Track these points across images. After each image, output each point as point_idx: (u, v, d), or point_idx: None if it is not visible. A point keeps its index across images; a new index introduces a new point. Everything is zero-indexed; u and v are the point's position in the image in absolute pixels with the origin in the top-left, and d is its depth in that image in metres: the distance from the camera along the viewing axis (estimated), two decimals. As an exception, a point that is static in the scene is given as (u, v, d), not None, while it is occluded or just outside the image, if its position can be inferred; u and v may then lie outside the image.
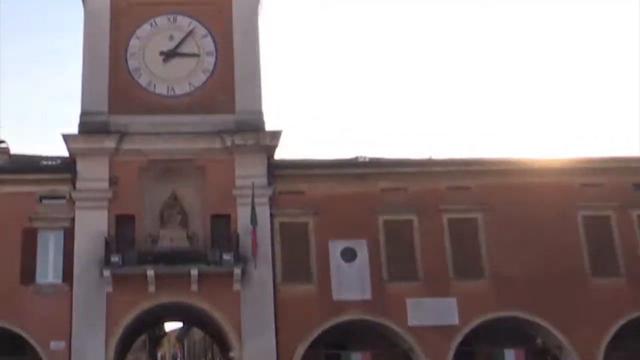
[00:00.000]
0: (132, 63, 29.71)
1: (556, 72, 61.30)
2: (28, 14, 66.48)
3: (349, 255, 28.48)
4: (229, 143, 28.38)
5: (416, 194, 29.26)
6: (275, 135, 28.79)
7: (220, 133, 28.48)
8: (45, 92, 63.20)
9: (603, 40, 61.32)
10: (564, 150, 40.80)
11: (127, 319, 27.04)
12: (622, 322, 28.35)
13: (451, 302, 28.20)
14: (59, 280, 27.34)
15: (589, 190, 29.62)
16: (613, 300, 28.46)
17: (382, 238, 28.86)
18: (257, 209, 27.33)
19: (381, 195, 29.19)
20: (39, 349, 26.64)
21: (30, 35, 65.27)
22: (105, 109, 28.83)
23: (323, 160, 30.51)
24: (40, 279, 27.36)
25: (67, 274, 27.21)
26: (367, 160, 30.50)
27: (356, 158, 30.64)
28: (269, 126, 29.07)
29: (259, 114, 29.35)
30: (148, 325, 36.46)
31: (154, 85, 29.51)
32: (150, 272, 26.74)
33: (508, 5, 64.69)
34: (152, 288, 26.94)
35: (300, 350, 27.37)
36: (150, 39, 30.09)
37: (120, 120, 28.65)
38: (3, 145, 29.70)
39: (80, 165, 28.01)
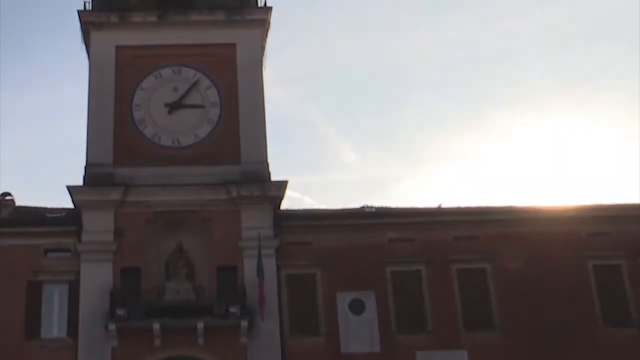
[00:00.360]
0: (137, 114, 30.09)
1: (561, 117, 62.01)
2: (31, 65, 67.48)
3: (357, 307, 28.45)
4: (234, 194, 28.56)
5: (424, 244, 29.33)
6: (281, 185, 29.02)
7: (225, 184, 28.67)
8: (50, 143, 63.89)
9: (608, 86, 61.97)
10: (570, 199, 41.21)
11: (133, 373, 26.97)
12: (634, 372, 28.31)
13: (462, 355, 28.07)
14: (64, 335, 27.29)
15: (598, 239, 29.64)
16: (625, 350, 28.32)
17: (390, 289, 28.89)
18: (264, 261, 27.43)
19: (389, 245, 29.27)
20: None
21: (34, 86, 66.27)
22: (111, 160, 29.14)
23: (329, 211, 30.70)
24: (45, 333, 27.32)
25: (72, 328, 27.17)
26: (373, 210, 30.63)
27: (363, 208, 30.81)
28: (275, 176, 29.37)
29: (264, 164, 29.62)
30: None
31: (159, 136, 29.87)
32: (156, 326, 26.68)
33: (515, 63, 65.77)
34: (158, 342, 26.87)
35: (309, 404, 27.30)
36: (155, 91, 30.52)
37: (125, 172, 28.91)
38: (8, 197, 29.91)
39: (86, 218, 28.19)
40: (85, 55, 31.64)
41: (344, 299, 28.48)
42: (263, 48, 32.21)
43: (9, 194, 30.03)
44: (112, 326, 26.67)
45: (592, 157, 60.18)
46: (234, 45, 31.25)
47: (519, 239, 29.45)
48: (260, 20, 31.75)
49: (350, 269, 28.76)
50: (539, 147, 62.86)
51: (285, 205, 29.68)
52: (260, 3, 32.23)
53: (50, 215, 29.23)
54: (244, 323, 27.05)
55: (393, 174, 64.63)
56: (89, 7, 31.42)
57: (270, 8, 31.79)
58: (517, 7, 63.76)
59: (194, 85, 30.62)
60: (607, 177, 58.11)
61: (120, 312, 26.81)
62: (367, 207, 30.86)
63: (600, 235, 29.76)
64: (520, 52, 63.18)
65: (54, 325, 27.44)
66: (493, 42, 63.77)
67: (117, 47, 30.73)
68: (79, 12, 31.01)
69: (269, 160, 29.76)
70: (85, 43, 31.48)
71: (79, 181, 28.66)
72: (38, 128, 64.26)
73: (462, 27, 63.03)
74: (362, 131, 64.15)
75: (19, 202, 30.28)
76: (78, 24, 31.13)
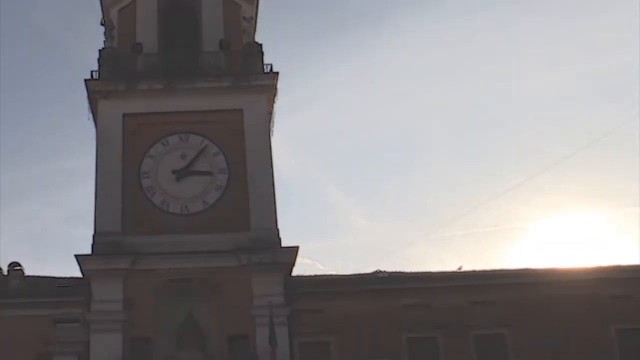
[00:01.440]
0: (145, 182, 30.80)
1: (572, 177, 63.17)
2: (39, 134, 69.50)
3: (372, 375, 28.78)
4: (245, 261, 29.06)
5: (440, 309, 29.67)
6: (292, 252, 29.57)
7: (235, 251, 29.20)
8: (58, 212, 65.29)
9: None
10: (589, 260, 41.73)
11: None
12: None
13: (481, 423, 28.30)
14: (72, 408, 27.54)
15: (620, 302, 29.85)
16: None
17: (406, 357, 29.15)
18: (276, 329, 27.64)
19: (403, 311, 29.61)
20: None
21: (40, 156, 68.04)
22: (119, 229, 29.78)
23: (342, 276, 31.16)
24: (53, 407, 27.58)
25: (82, 401, 27.39)
26: (386, 275, 31.08)
27: (376, 272, 31.28)
28: (285, 242, 29.95)
29: (274, 230, 30.20)
30: None
31: (168, 204, 30.55)
32: (167, 397, 27.07)
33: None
34: (169, 412, 27.20)
35: None
36: (162, 158, 31.25)
37: (134, 240, 29.51)
38: (17, 267, 30.48)
39: (95, 287, 28.68)
40: (92, 123, 32.62)
41: (358, 367, 28.82)
42: (270, 113, 33.14)
43: (18, 264, 30.54)
44: (122, 398, 27.00)
45: (608, 218, 61.09)
46: (240, 111, 32.14)
47: (537, 303, 29.77)
48: (267, 85, 32.63)
49: (365, 336, 29.07)
50: (555, 208, 63.78)
51: (296, 271, 30.26)
52: (267, 68, 33.21)
53: (59, 285, 29.65)
54: (258, 392, 27.34)
55: (405, 238, 65.55)
56: (95, 75, 32.35)
57: (277, 74, 32.73)
58: (524, 68, 65.58)
59: (202, 152, 31.37)
60: (625, 239, 58.75)
61: (130, 383, 27.17)
62: (380, 272, 31.30)
63: (622, 298, 30.01)
64: (522, 114, 64.93)
65: (62, 398, 27.66)
66: (501, 104, 65.46)
67: (125, 115, 31.60)
68: (86, 81, 31.96)
69: (279, 226, 30.40)
70: (92, 111, 32.39)
71: (87, 250, 29.28)
72: (46, 197, 65.85)
73: (469, 90, 64.71)
74: (371, 196, 65.25)
75: (28, 272, 30.84)
76: (85, 92, 32.14)
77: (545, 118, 66.07)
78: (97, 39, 34.81)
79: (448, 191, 66.44)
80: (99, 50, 33.13)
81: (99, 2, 35.77)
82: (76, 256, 28.76)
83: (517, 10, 68.60)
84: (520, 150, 65.31)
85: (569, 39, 66.98)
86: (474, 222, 65.89)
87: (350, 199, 65.28)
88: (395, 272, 31.32)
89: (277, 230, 30.31)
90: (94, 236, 29.66)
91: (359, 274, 31.36)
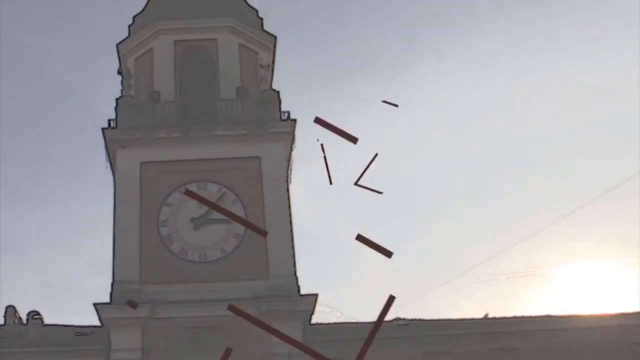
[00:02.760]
0: (163, 230, 31.85)
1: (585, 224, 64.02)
2: (56, 184, 71.37)
3: None
4: (263, 309, 29.85)
5: (461, 357, 30.22)
6: (311, 299, 30.43)
7: (254, 299, 30.07)
8: (77, 260, 66.91)
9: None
10: (613, 306, 42.46)
11: None
12: None
13: None
14: None
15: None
16: None
17: (427, 405, 29.97)
18: (296, 378, 28.63)
19: (424, 359, 30.39)
20: None
21: (58, 204, 69.87)
22: (137, 278, 30.77)
23: (361, 323, 31.84)
24: None
25: None
26: (407, 322, 31.88)
27: (396, 319, 32.03)
28: (304, 290, 30.92)
29: (293, 278, 31.16)
30: None
31: (186, 252, 31.56)
32: None
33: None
34: None
35: None
36: (180, 206, 32.25)
37: (152, 289, 30.46)
38: (36, 317, 31.58)
39: (114, 336, 29.59)
40: (109, 171, 33.94)
41: (380, 417, 29.47)
42: (288, 161, 34.36)
43: (37, 313, 31.68)
44: None
45: (632, 263, 61.58)
46: (258, 158, 33.27)
47: (560, 350, 30.30)
48: (285, 133, 33.91)
49: (386, 385, 29.87)
50: (577, 254, 64.51)
51: (315, 319, 31.14)
52: (284, 116, 34.40)
53: (78, 334, 30.53)
54: None
55: (425, 285, 66.27)
56: (113, 124, 33.69)
57: (294, 121, 33.95)
58: (544, 114, 66.84)
59: (220, 199, 32.45)
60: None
61: None
62: (400, 319, 32.05)
63: (645, 344, 30.56)
64: (541, 158, 66.07)
65: None
66: (520, 149, 66.62)
67: (142, 164, 32.78)
68: (103, 130, 33.38)
69: (298, 273, 31.40)
70: (109, 160, 33.67)
71: (106, 298, 30.35)
72: (64, 245, 67.42)
73: (489, 135, 65.96)
74: (391, 242, 65.77)
75: (47, 321, 31.88)
76: (102, 140, 33.50)
77: (566, 163, 67.28)
78: (114, 87, 36.30)
79: (468, 238, 67.31)
80: (116, 99, 34.47)
81: (115, 51, 37.37)
82: (95, 305, 29.82)
83: (536, 55, 70.28)
84: (541, 195, 66.41)
85: (586, 84, 68.26)
86: (495, 268, 66.54)
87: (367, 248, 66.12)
88: (416, 319, 32.11)
89: (296, 278, 31.26)
90: (112, 285, 30.70)
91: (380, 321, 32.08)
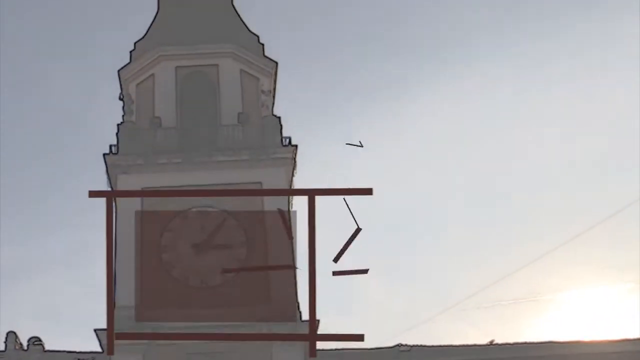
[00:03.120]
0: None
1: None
2: (57, 208, 71.97)
3: None
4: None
5: (464, 383, 30.86)
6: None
7: (256, 324, 30.29)
8: (78, 286, 67.33)
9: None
10: (617, 332, 42.68)
11: None
12: None
13: None
14: None
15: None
16: None
17: None
18: (296, 403, 28.90)
19: (427, 385, 30.80)
20: None
21: (59, 229, 70.43)
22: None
23: (362, 350, 32.14)
24: None
25: None
26: (409, 348, 32.13)
27: (398, 345, 32.31)
28: (306, 314, 31.06)
29: (295, 303, 31.34)
30: None
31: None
32: None
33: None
34: None
35: None
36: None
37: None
38: (37, 343, 31.73)
39: (114, 362, 29.96)
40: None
41: None
42: (290, 186, 34.69)
43: (38, 339, 31.85)
44: None
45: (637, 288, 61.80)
46: (259, 184, 33.41)
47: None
48: (286, 158, 34.23)
49: (388, 411, 30.16)
50: (579, 279, 64.76)
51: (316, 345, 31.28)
52: (285, 141, 34.77)
53: None
54: None
55: (426, 311, 66.37)
56: (114, 150, 34.07)
57: (295, 146, 34.31)
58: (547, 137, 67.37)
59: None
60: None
61: None
62: (402, 345, 32.37)
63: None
64: (541, 184, 66.48)
65: None
66: (522, 173, 67.04)
67: (144, 189, 33.23)
68: (105, 155, 33.77)
69: (299, 299, 31.68)
70: (111, 185, 33.92)
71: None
72: (65, 271, 67.85)
73: (491, 160, 66.38)
74: (392, 268, 66.23)
75: (47, 347, 32.03)
76: (104, 166, 33.83)
77: (567, 189, 67.56)
78: (115, 113, 36.57)
79: (471, 264, 67.56)
80: (118, 125, 34.80)
81: (117, 77, 37.77)
82: (96, 330, 30.01)
83: (541, 80, 70.89)
84: (543, 222, 66.71)
85: (591, 107, 68.82)
86: (497, 294, 66.97)
87: (369, 272, 66.34)
88: (417, 346, 32.35)
89: (298, 303, 31.42)
90: (113, 311, 30.88)
91: (380, 348, 32.39)
